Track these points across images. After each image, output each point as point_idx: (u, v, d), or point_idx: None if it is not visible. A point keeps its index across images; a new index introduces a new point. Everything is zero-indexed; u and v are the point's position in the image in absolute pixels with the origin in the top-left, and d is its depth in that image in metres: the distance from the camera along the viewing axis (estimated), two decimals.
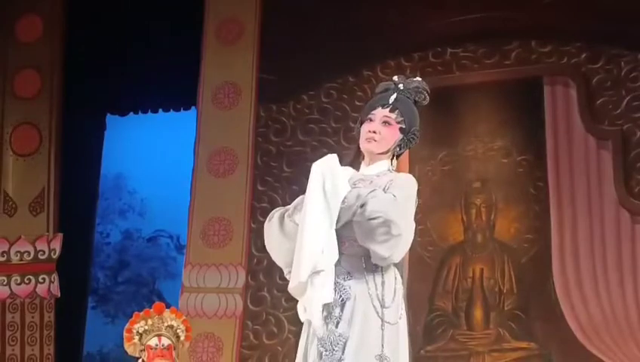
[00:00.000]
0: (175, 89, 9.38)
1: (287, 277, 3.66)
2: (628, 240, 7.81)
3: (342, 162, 3.64)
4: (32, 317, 8.87)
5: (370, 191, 3.50)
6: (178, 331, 5.49)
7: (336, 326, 3.49)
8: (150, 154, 10.86)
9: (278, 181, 8.71)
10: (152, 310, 5.54)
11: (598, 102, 8.08)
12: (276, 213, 3.70)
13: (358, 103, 8.56)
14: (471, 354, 8.02)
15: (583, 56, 8.15)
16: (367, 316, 3.50)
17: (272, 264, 8.26)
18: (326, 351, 3.48)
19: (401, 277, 3.65)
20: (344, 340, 3.48)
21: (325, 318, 3.51)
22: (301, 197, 3.63)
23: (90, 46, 9.31)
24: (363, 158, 3.74)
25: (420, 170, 8.09)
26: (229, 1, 9.13)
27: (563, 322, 7.78)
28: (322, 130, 8.72)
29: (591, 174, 8.01)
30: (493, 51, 8.38)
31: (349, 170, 3.68)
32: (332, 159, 3.58)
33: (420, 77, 3.86)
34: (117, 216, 11.25)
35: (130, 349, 5.50)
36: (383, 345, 3.48)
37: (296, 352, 3.68)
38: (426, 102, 3.77)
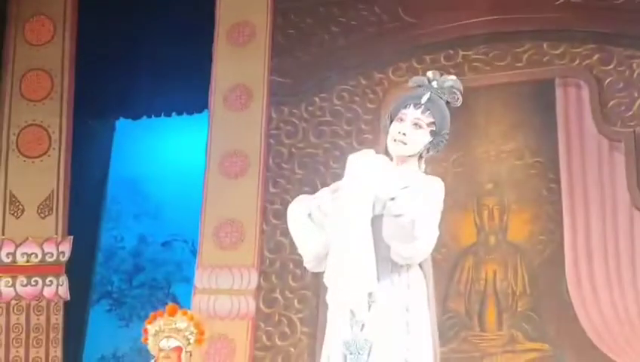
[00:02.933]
0: (188, 92, 9.37)
1: (308, 266, 3.65)
2: None
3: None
4: (38, 319, 8.85)
5: (403, 188, 3.49)
6: (187, 333, 5.51)
7: (362, 330, 3.46)
8: (165, 158, 10.83)
9: (290, 183, 8.70)
10: (165, 312, 5.58)
11: (611, 103, 8.07)
12: (301, 202, 3.65)
13: (369, 106, 8.59)
14: (483, 356, 8.01)
15: (595, 57, 8.14)
16: (393, 320, 3.47)
17: (284, 266, 8.41)
18: (351, 354, 3.45)
19: (426, 277, 3.61)
20: (370, 344, 3.44)
21: (350, 321, 3.47)
22: (329, 189, 3.59)
23: (100, 49, 9.29)
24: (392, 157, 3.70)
25: (432, 171, 8.06)
26: (240, 4, 9.11)
27: (576, 323, 7.76)
28: (334, 132, 8.71)
29: (603, 175, 8.00)
30: (505, 53, 8.36)
31: (384, 158, 3.65)
32: (368, 151, 3.57)
33: None
34: (131, 220, 11.23)
35: (150, 349, 5.56)
36: (408, 349, 3.46)
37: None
38: (458, 104, 3.72)
